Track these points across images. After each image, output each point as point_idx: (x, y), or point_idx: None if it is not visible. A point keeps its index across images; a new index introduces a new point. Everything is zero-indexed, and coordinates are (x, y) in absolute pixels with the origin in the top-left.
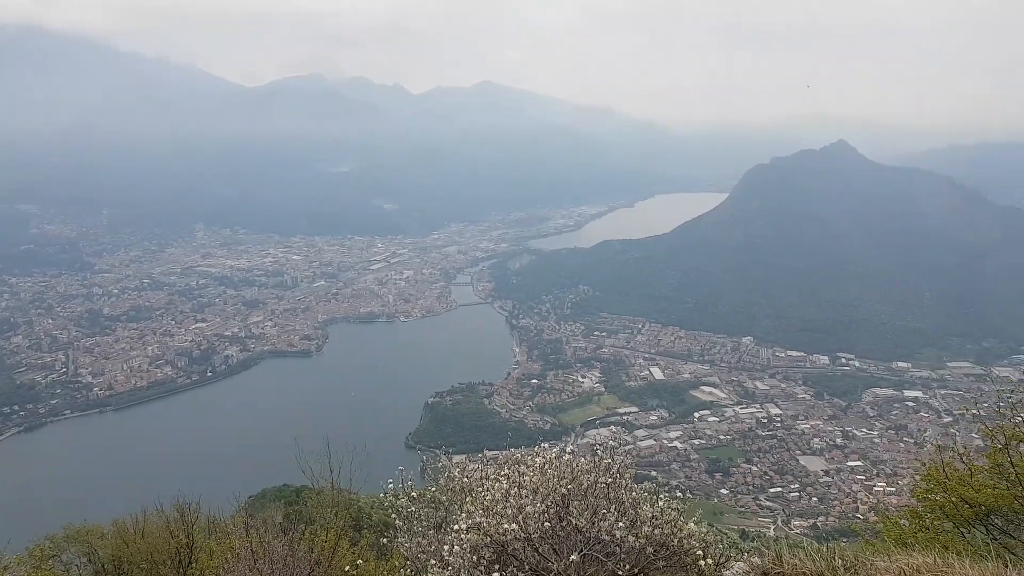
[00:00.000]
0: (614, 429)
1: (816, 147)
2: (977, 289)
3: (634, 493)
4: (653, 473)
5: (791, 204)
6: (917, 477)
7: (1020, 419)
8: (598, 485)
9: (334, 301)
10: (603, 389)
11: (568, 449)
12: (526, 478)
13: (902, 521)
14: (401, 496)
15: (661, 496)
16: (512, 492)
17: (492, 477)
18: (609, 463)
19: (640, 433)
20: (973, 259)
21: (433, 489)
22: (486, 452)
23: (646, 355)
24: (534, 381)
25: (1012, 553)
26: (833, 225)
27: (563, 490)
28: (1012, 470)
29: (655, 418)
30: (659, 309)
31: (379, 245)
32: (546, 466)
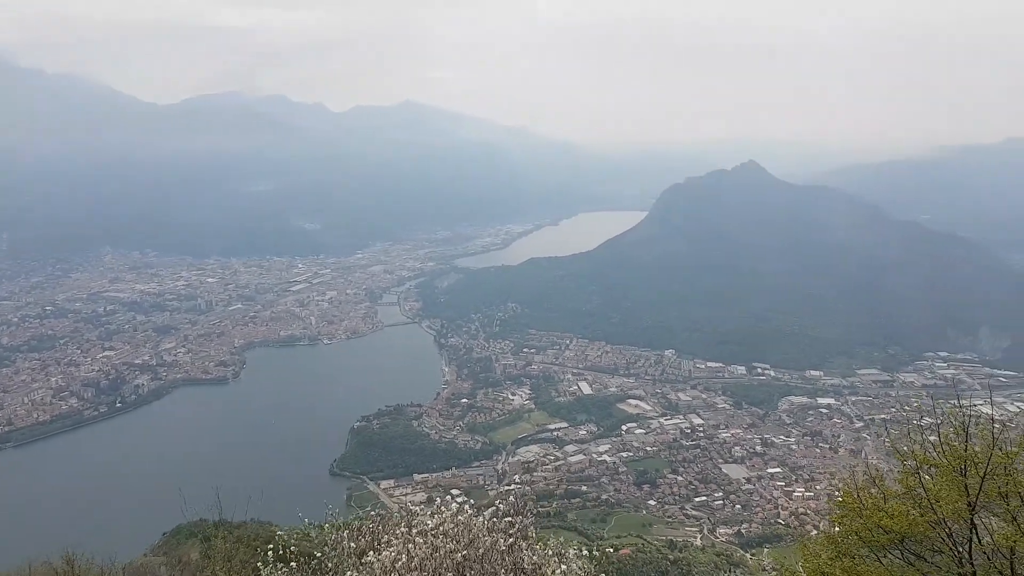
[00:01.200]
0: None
1: (728, 167)
2: (881, 299)
3: (536, 555)
4: (584, 488)
5: (706, 221)
6: (832, 504)
7: (931, 439)
8: (496, 548)
9: (252, 325)
10: (533, 406)
11: (468, 505)
12: (418, 546)
13: (821, 555)
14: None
15: (570, 553)
16: (400, 563)
17: (383, 541)
18: (510, 521)
19: (570, 448)
20: (876, 271)
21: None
22: (415, 476)
23: (574, 370)
24: (464, 400)
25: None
26: (746, 241)
27: (459, 556)
28: (923, 493)
29: (584, 432)
30: (586, 325)
31: (300, 266)
32: (443, 525)
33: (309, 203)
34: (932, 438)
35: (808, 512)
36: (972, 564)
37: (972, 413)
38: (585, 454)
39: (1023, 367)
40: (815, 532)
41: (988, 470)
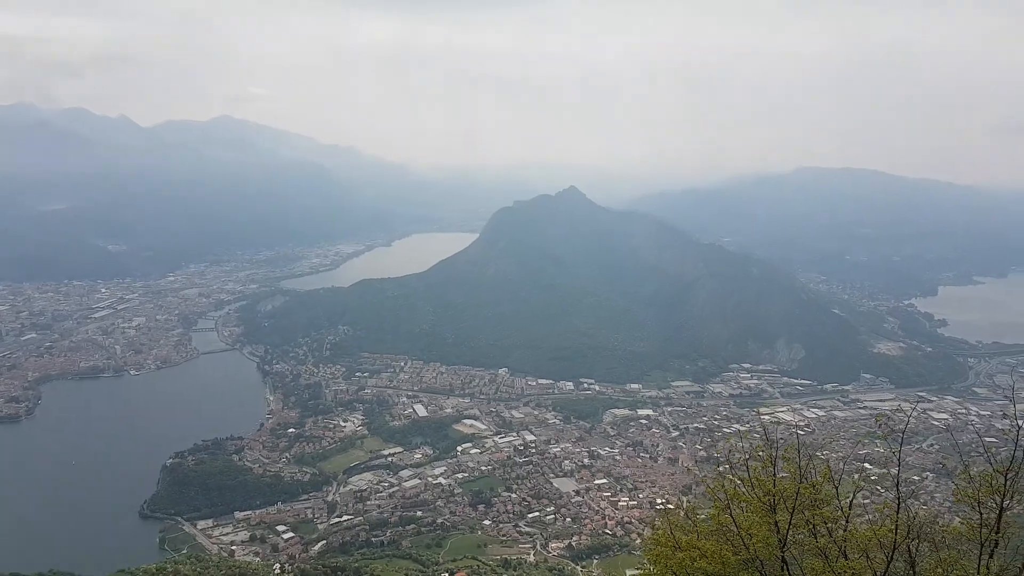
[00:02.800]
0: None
1: (552, 192)
2: (690, 316)
3: None
4: (419, 513)
5: (534, 243)
6: (647, 543)
7: (740, 476)
8: None
9: (48, 356)
10: (366, 431)
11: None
12: None
13: None
14: None
15: None
16: None
17: None
18: None
19: (405, 473)
20: (684, 290)
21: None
22: (237, 514)
23: (409, 392)
24: (291, 430)
25: None
26: (570, 262)
27: None
28: (735, 530)
29: (420, 456)
30: (420, 346)
31: (103, 290)
32: None
33: (113, 222)
34: (742, 474)
35: (632, 521)
36: None
37: (778, 447)
38: (420, 478)
39: (816, 375)
40: (639, 540)
41: (796, 504)
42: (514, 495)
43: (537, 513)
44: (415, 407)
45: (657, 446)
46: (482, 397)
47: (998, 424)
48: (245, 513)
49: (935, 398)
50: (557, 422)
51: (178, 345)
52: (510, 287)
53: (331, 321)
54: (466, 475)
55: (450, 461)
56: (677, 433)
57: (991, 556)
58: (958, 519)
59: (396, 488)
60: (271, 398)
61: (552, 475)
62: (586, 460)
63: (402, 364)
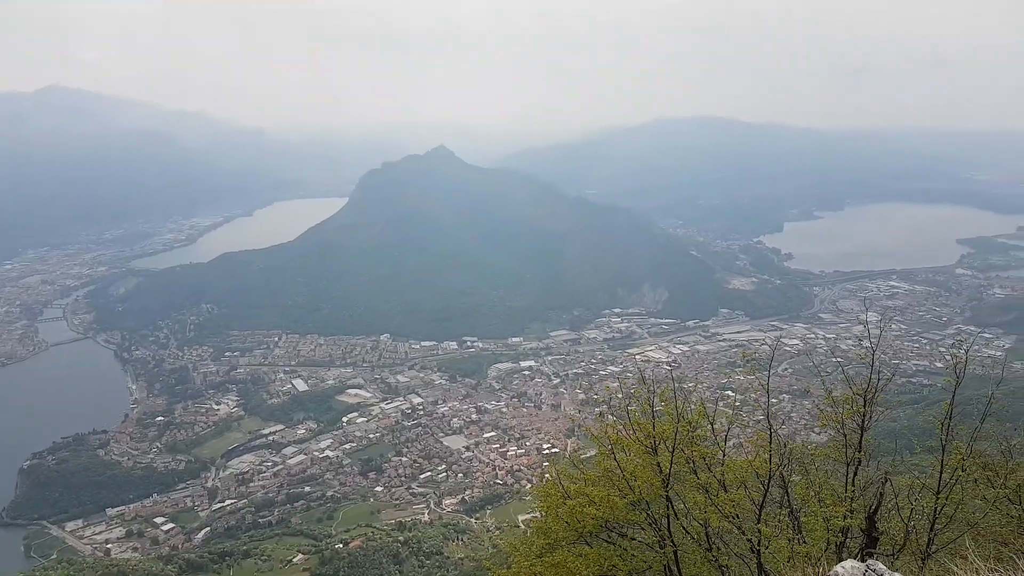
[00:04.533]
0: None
1: (420, 152)
2: (562, 267)
3: None
4: (307, 488)
5: (405, 205)
6: (537, 492)
7: (620, 422)
8: None
9: None
10: (243, 412)
11: None
12: None
13: (533, 547)
14: None
15: None
16: None
17: None
18: None
19: (289, 450)
20: (555, 242)
21: None
22: (108, 511)
23: (286, 368)
24: (160, 418)
25: (626, 552)
26: (444, 222)
27: None
28: (620, 475)
29: (303, 431)
30: (295, 319)
31: None
32: None
33: None
34: (623, 419)
35: (521, 468)
36: (672, 540)
37: (656, 389)
38: (306, 454)
39: (680, 314)
40: (529, 486)
41: (676, 443)
42: (405, 459)
43: (429, 473)
44: (294, 382)
45: (540, 395)
46: (365, 365)
47: (843, 345)
48: (118, 509)
49: (786, 326)
50: (443, 382)
51: (23, 338)
52: (385, 251)
53: (193, 300)
54: (354, 445)
55: (336, 433)
56: (558, 380)
57: (856, 473)
58: (814, 434)
59: (280, 466)
60: (134, 387)
61: (442, 434)
62: (474, 416)
63: (276, 339)
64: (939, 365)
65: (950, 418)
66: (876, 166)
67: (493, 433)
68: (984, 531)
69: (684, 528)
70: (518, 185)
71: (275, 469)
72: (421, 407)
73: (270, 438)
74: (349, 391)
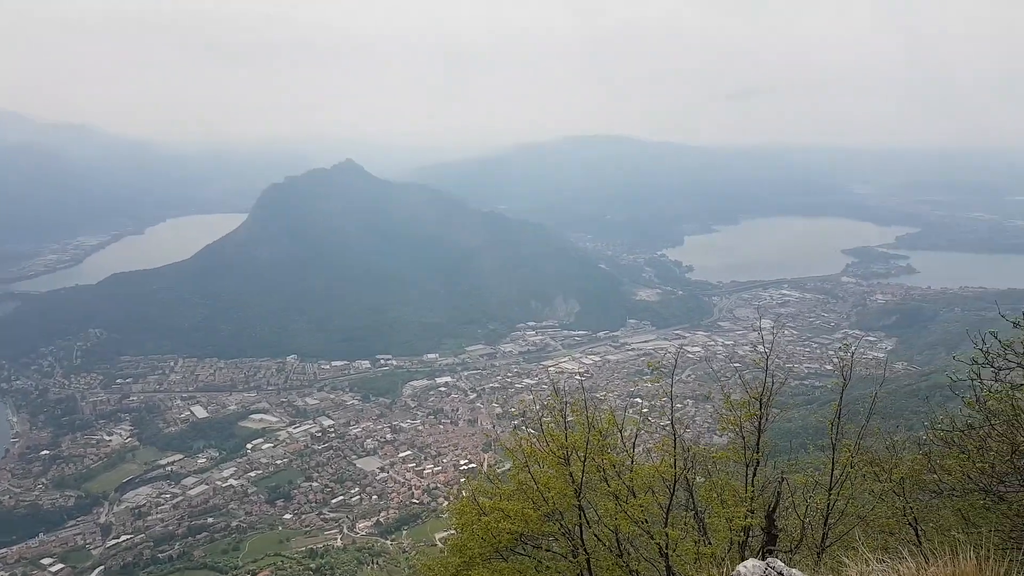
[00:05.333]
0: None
1: (327, 166)
2: (476, 282)
3: None
4: (210, 520)
5: (312, 220)
6: (453, 510)
7: (533, 432)
8: None
9: None
10: (138, 442)
11: None
12: None
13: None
14: None
15: None
16: None
17: None
18: None
19: (189, 481)
20: (469, 257)
21: None
22: None
23: (184, 394)
24: (45, 452)
25: (541, 564)
26: (354, 237)
27: None
28: (534, 487)
29: (204, 460)
30: (193, 342)
31: None
32: None
33: None
34: (537, 431)
35: (438, 486)
36: (585, 548)
37: (569, 400)
38: (208, 483)
39: (591, 325)
40: (446, 503)
41: (587, 453)
42: (315, 483)
43: (342, 497)
44: (193, 409)
45: (457, 410)
46: (270, 388)
47: (740, 351)
48: (1, 551)
49: (689, 334)
50: (356, 402)
51: None
52: (290, 268)
53: (80, 324)
54: (260, 472)
55: (240, 460)
56: (475, 395)
57: (754, 474)
58: (717, 437)
59: (180, 498)
60: (14, 419)
61: (355, 456)
62: (388, 436)
63: (172, 364)
64: (829, 367)
65: (839, 417)
66: (766, 181)
67: (409, 452)
68: (872, 523)
69: (596, 536)
70: (430, 200)
71: (174, 501)
72: (332, 429)
73: (168, 469)
74: (253, 416)
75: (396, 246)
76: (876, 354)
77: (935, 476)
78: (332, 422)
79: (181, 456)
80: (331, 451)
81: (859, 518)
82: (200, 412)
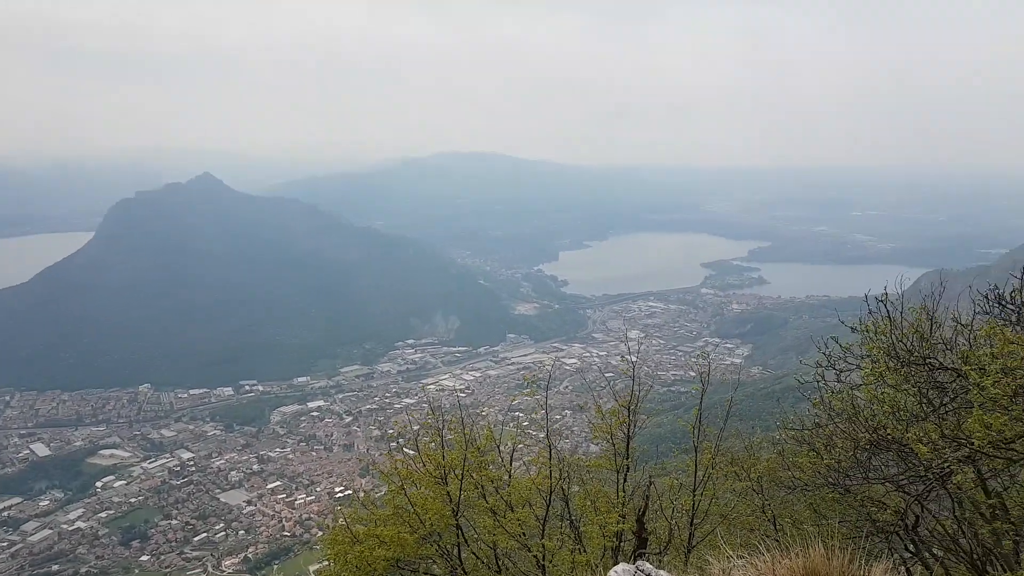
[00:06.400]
0: None
1: (183, 180)
2: (351, 300)
3: None
4: (55, 567)
5: (168, 238)
6: (325, 540)
7: (410, 453)
8: None
9: None
10: None
11: None
12: None
13: None
14: None
15: None
16: None
17: None
18: None
19: (30, 526)
20: (343, 275)
21: None
22: None
23: (23, 431)
24: None
25: None
26: (217, 256)
27: None
28: (411, 510)
29: (48, 502)
30: (31, 373)
31: None
32: None
33: None
34: (413, 451)
35: (312, 516)
36: (463, 567)
37: (445, 416)
38: (52, 527)
39: (471, 341)
40: (321, 533)
41: (465, 470)
42: (175, 521)
43: (205, 534)
44: (32, 447)
45: (331, 436)
46: (121, 421)
47: (613, 361)
48: None
49: (565, 347)
50: (218, 433)
51: None
52: (144, 290)
53: None
54: (112, 512)
55: (89, 500)
56: (351, 418)
57: (625, 480)
58: (593, 446)
59: (20, 545)
60: None
61: (218, 490)
62: (256, 466)
63: (7, 399)
64: (692, 374)
65: (700, 421)
66: (633, 199)
67: (279, 483)
68: (734, 520)
69: (474, 554)
70: (300, 215)
71: (13, 549)
72: (192, 463)
73: (5, 514)
74: (103, 452)
75: (264, 264)
76: (734, 360)
77: (789, 473)
78: (192, 455)
79: (20, 499)
80: (192, 486)
81: (722, 516)
82: (41, 450)
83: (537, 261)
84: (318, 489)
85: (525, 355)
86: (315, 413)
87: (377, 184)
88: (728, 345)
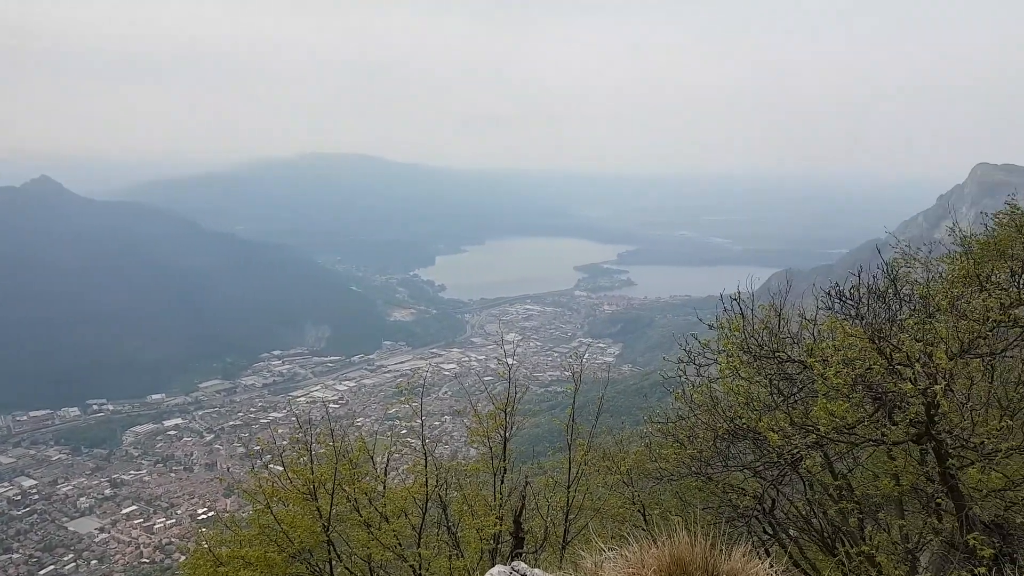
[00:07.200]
0: None
1: (16, 183)
2: (210, 311)
3: None
4: None
5: (1, 246)
6: (185, 565)
7: (277, 469)
8: None
9: None
10: None
11: None
12: None
13: None
14: None
15: None
16: None
17: None
18: None
19: None
20: (200, 284)
21: None
22: None
23: None
24: None
25: None
26: (58, 265)
27: None
28: (278, 528)
29: None
30: None
31: None
32: None
33: None
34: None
35: (173, 541)
36: None
37: (315, 429)
38: None
39: (344, 350)
40: (183, 558)
41: (336, 484)
42: (16, 555)
43: (52, 566)
44: None
45: (191, 455)
46: None
47: (492, 365)
48: None
49: (444, 352)
50: (64, 457)
51: None
52: None
53: None
54: None
55: None
56: (212, 436)
57: (502, 482)
58: (473, 450)
59: None
60: None
61: (66, 519)
62: (108, 491)
63: None
64: (568, 374)
65: (573, 419)
66: (508, 204)
67: (135, 507)
68: (606, 513)
69: (348, 569)
70: (152, 220)
71: None
72: (34, 490)
73: None
74: None
75: (114, 273)
76: (606, 359)
77: (656, 464)
78: (35, 482)
79: None
80: (35, 515)
81: (595, 510)
82: None
83: (413, 266)
84: (179, 512)
85: (402, 362)
86: (172, 432)
87: (238, 187)
88: (600, 344)
